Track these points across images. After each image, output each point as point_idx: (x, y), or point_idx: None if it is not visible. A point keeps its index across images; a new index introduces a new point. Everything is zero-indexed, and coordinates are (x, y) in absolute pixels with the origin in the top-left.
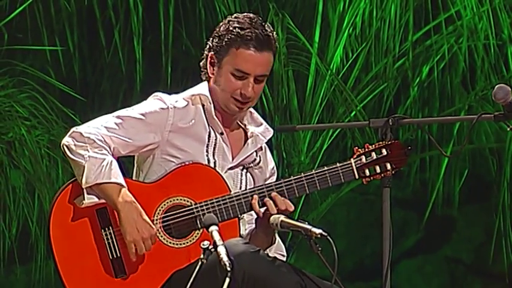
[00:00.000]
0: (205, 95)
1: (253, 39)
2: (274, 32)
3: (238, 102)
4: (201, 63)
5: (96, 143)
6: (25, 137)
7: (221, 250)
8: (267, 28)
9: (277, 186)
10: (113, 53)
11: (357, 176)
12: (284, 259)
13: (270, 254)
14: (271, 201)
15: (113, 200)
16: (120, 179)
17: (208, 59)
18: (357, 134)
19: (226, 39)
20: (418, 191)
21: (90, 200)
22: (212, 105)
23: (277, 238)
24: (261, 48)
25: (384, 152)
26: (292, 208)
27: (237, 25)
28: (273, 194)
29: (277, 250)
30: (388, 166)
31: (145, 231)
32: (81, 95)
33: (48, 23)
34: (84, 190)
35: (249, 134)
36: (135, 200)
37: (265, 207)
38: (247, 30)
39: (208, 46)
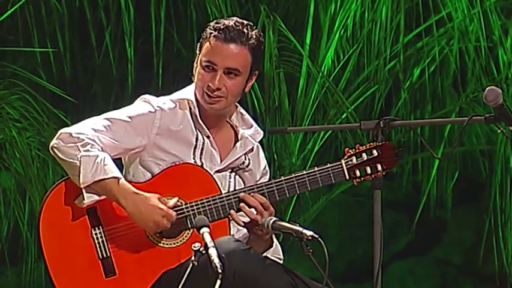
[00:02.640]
0: (191, 100)
1: (222, 30)
2: (257, 32)
3: (207, 95)
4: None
5: (86, 141)
6: (16, 139)
7: (212, 252)
8: (246, 25)
9: (267, 186)
10: (104, 55)
11: (347, 177)
12: (281, 262)
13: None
14: (244, 204)
15: (114, 195)
16: (117, 172)
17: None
18: (348, 136)
19: (202, 36)
20: (409, 193)
21: (90, 199)
22: (197, 109)
23: (275, 241)
24: (230, 39)
25: (375, 153)
26: (263, 200)
27: (215, 22)
28: (241, 194)
29: (275, 253)
30: (379, 167)
31: (155, 215)
32: (72, 97)
33: (39, 25)
34: (83, 190)
35: (239, 136)
36: (135, 190)
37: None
38: (221, 23)
39: None
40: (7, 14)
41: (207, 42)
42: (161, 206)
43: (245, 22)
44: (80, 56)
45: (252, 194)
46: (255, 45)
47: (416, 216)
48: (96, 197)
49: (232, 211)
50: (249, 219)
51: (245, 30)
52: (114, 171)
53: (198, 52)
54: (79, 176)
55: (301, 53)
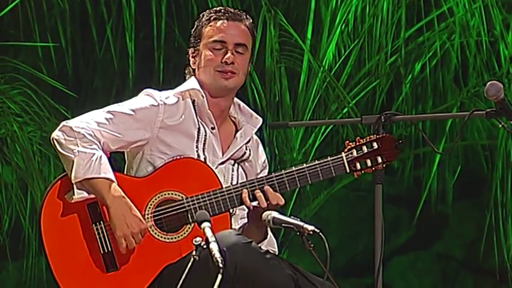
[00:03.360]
0: (196, 89)
1: (223, 13)
2: (247, 16)
3: (223, 72)
4: (185, 71)
5: (86, 137)
6: (17, 134)
7: (213, 247)
8: (239, 11)
9: (268, 180)
10: (105, 49)
11: (347, 170)
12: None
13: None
14: (261, 195)
15: (102, 195)
16: (110, 174)
17: (190, 54)
18: (350, 131)
19: (199, 26)
20: (411, 188)
21: (80, 195)
22: (205, 98)
23: (270, 233)
24: (233, 18)
25: (375, 145)
26: (282, 202)
27: (208, 11)
28: (265, 187)
29: (269, 245)
30: (379, 160)
31: (135, 225)
32: (74, 92)
33: (40, 19)
34: (74, 185)
35: (238, 126)
36: (124, 195)
37: (256, 201)
38: (217, 9)
39: (187, 52)
40: (8, 9)
41: (208, 27)
42: (143, 221)
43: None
44: (81, 50)
45: (275, 193)
46: (251, 26)
47: (417, 211)
48: (86, 195)
49: (245, 190)
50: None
51: (241, 12)
52: (107, 172)
53: (195, 41)
54: (71, 171)
55: (303, 48)
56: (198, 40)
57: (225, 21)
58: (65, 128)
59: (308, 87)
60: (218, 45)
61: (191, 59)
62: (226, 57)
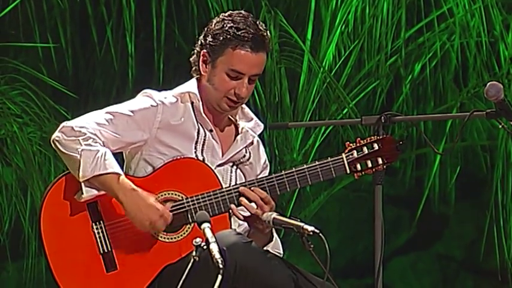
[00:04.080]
0: (194, 93)
1: (249, 40)
2: (268, 31)
3: (231, 101)
4: (191, 59)
5: (88, 135)
6: (17, 134)
7: (213, 248)
8: (261, 28)
9: (268, 180)
10: (105, 50)
11: (348, 171)
12: (281, 257)
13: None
14: (244, 200)
15: (113, 190)
16: (117, 168)
17: (201, 56)
18: (350, 132)
19: (221, 38)
20: (411, 188)
21: (89, 193)
22: (201, 102)
23: (275, 236)
24: (257, 49)
25: (376, 146)
26: (263, 194)
27: (233, 24)
28: (241, 188)
29: (274, 248)
30: (380, 161)
31: (151, 214)
32: (74, 92)
33: (40, 20)
34: (82, 184)
35: (239, 129)
36: (134, 187)
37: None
38: (243, 30)
39: (200, 43)
40: (8, 9)
41: (231, 51)
42: (159, 206)
43: (259, 24)
44: (81, 51)
45: (252, 188)
46: (269, 49)
47: (417, 212)
48: (95, 192)
49: (232, 205)
50: (249, 213)
51: (265, 35)
52: (114, 166)
53: (213, 52)
54: (79, 170)
55: (303, 49)
56: (217, 54)
57: (250, 52)
58: (65, 129)
59: (308, 88)
60: (235, 74)
61: (202, 63)
62: (239, 92)
